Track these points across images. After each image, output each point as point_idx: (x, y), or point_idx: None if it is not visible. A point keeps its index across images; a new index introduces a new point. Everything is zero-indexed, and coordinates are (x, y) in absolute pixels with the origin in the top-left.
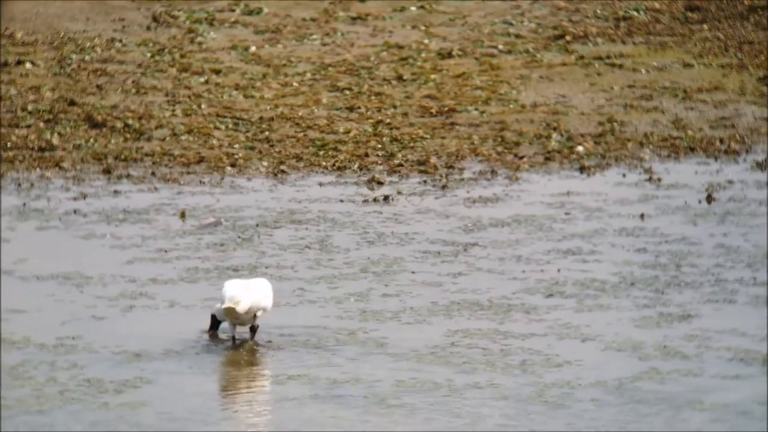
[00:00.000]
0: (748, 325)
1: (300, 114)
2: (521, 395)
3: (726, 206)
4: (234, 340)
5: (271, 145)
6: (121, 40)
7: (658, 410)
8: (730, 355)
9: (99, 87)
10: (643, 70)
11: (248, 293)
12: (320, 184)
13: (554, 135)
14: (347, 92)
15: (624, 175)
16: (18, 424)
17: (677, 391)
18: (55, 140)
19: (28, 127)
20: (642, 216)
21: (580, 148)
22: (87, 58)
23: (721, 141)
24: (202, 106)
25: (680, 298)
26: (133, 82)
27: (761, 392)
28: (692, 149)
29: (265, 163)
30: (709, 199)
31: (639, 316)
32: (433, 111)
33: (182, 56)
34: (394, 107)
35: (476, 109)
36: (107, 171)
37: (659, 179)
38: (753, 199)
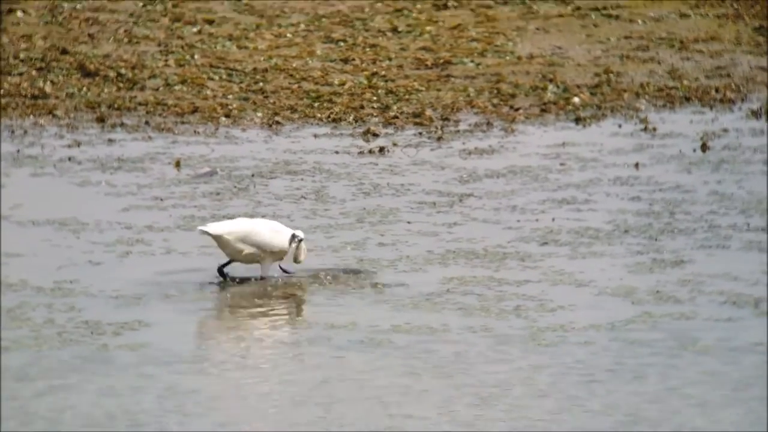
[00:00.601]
0: (741, 269)
1: (294, 65)
2: (515, 338)
3: (720, 154)
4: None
5: (266, 97)
6: None
7: (650, 352)
8: (723, 298)
9: (91, 36)
10: (640, 21)
11: (230, 226)
12: (315, 136)
13: (550, 86)
14: (342, 44)
15: (620, 126)
16: (17, 365)
17: (669, 334)
18: (48, 88)
19: (21, 75)
20: (637, 165)
21: (576, 100)
22: (78, 6)
23: (717, 90)
24: (196, 56)
25: (673, 245)
26: (125, 31)
27: (752, 334)
28: (688, 99)
29: (259, 114)
30: (704, 147)
31: (632, 262)
32: (429, 63)
33: (175, 6)
34: (389, 59)
35: (472, 61)
36: (101, 119)
37: (654, 129)
38: (747, 147)
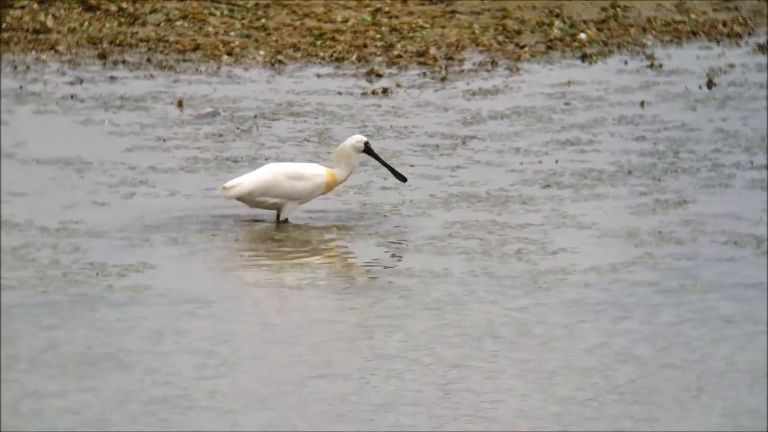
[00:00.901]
0: (743, 208)
1: (296, 1)
2: (515, 281)
3: (726, 91)
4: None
5: (268, 34)
6: None
7: (649, 292)
8: (724, 238)
9: None
10: None
11: (250, 185)
12: (318, 76)
13: (557, 22)
14: None
15: (626, 62)
16: (21, 307)
17: (670, 273)
18: (50, 22)
19: (22, 8)
20: (642, 103)
21: (582, 36)
22: None
23: (724, 24)
24: None
25: (677, 185)
26: None
27: (753, 273)
28: (695, 33)
29: (261, 53)
30: (710, 84)
31: (635, 203)
32: None
33: None
34: None
35: None
36: (103, 56)
37: (661, 65)
38: (754, 83)
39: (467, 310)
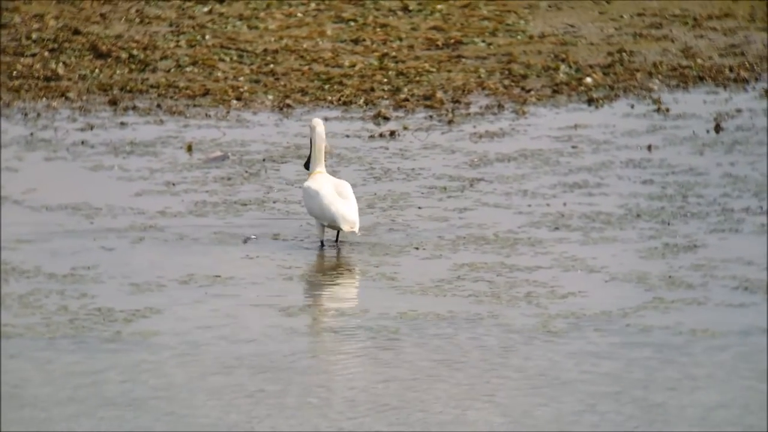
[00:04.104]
0: (754, 253)
1: (304, 46)
2: (525, 326)
3: (734, 135)
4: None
5: (276, 79)
6: None
7: (662, 338)
8: (735, 283)
9: (103, 16)
10: None
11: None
12: (326, 119)
13: (562, 66)
14: (352, 23)
15: (632, 106)
16: (25, 354)
17: (681, 319)
18: (61, 70)
19: (33, 56)
20: (649, 147)
21: (588, 80)
22: None
23: (731, 69)
24: (207, 37)
25: (686, 229)
26: (137, 11)
27: (764, 319)
28: (701, 78)
29: (270, 97)
30: (717, 128)
31: (645, 247)
32: (440, 43)
33: None
34: (400, 39)
35: (483, 41)
36: (113, 102)
37: (667, 109)
38: (761, 128)
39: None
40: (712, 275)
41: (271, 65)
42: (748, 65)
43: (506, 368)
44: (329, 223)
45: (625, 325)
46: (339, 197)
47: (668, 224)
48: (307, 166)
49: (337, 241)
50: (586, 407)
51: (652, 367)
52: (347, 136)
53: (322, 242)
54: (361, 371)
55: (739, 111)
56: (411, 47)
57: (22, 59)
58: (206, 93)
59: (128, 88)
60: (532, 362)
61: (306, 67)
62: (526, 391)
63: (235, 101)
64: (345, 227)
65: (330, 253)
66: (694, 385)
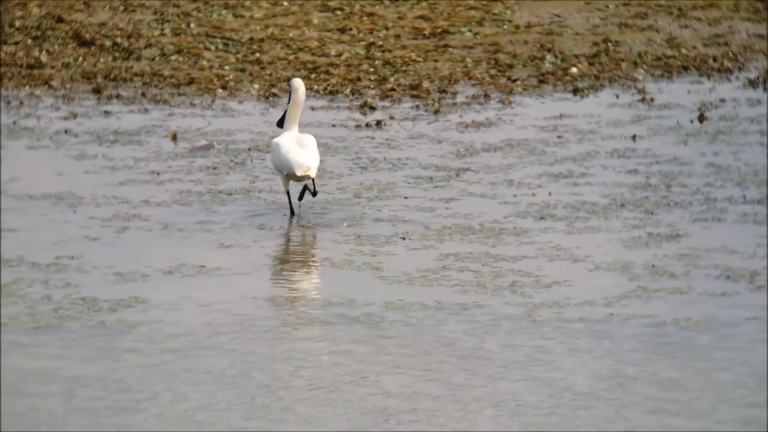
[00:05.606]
0: (737, 243)
1: (291, 35)
2: (510, 315)
3: (718, 125)
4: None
5: (262, 68)
6: None
7: (644, 325)
8: (718, 272)
9: (86, 3)
10: None
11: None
12: (312, 109)
13: (548, 56)
14: (338, 12)
15: (617, 96)
16: (13, 340)
17: (664, 308)
18: (44, 57)
19: (16, 44)
20: (634, 137)
21: (574, 70)
22: None
23: (715, 59)
24: (192, 25)
25: (670, 218)
26: None
27: (747, 308)
28: (685, 68)
29: (256, 86)
30: (701, 118)
31: (629, 236)
32: (426, 33)
33: None
34: (386, 29)
35: (470, 31)
36: (97, 90)
37: (652, 99)
38: (744, 117)
39: (461, 342)
40: (695, 264)
41: (257, 54)
42: (731, 55)
43: (490, 355)
44: (287, 171)
45: (609, 314)
46: (299, 147)
47: (652, 214)
48: (280, 124)
49: (303, 195)
50: (571, 394)
51: (636, 358)
52: (333, 126)
53: (292, 210)
54: (346, 361)
55: (722, 101)
56: (397, 37)
57: (4, 47)
58: (191, 82)
59: (112, 76)
60: (517, 351)
61: (292, 56)
62: (512, 380)
63: (220, 90)
64: (298, 171)
65: (316, 243)
66: (679, 375)
